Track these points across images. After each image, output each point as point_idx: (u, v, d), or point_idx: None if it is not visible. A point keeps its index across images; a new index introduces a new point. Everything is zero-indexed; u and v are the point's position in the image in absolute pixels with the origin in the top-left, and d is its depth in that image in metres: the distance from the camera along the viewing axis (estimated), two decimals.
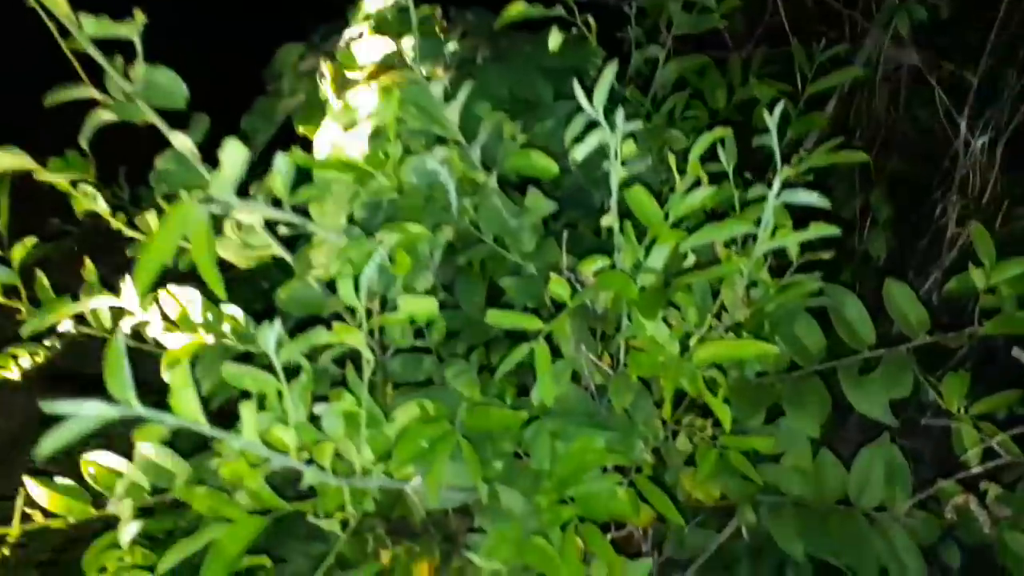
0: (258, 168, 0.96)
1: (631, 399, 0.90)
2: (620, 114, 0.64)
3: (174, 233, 0.53)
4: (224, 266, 1.05)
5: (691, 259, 0.85)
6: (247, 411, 0.53)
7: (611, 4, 1.34)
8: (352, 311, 0.63)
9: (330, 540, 1.20)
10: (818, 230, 0.69)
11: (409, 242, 0.78)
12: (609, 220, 0.69)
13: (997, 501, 0.90)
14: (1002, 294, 0.90)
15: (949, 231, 1.53)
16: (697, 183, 0.83)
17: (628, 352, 0.88)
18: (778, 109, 0.68)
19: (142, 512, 0.85)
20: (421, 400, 0.81)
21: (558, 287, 0.72)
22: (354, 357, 1.30)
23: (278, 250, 0.87)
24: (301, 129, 1.21)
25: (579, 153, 0.59)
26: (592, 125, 0.60)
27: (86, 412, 0.42)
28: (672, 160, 0.77)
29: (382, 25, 1.12)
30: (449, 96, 0.89)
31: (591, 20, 1.12)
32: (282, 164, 0.64)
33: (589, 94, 0.69)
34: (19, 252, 0.95)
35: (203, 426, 0.47)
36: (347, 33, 1.13)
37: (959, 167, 1.54)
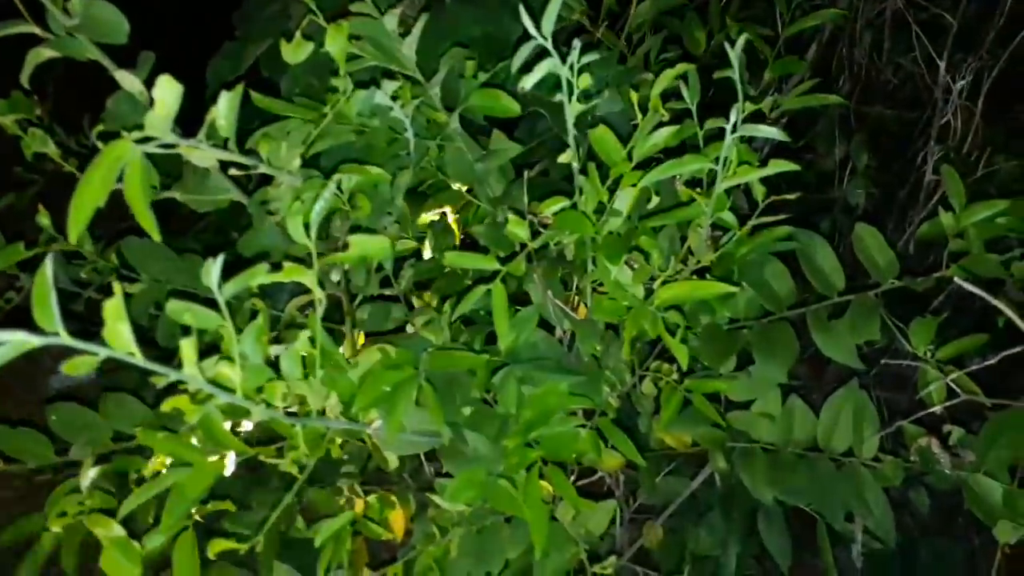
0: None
1: (596, 345, 0.90)
2: (576, 44, 0.62)
3: (108, 173, 0.52)
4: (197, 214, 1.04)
5: (655, 201, 0.83)
6: (186, 345, 0.52)
7: None
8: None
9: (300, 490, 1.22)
10: (776, 166, 0.68)
11: (366, 184, 0.77)
12: (567, 157, 0.68)
13: (961, 445, 0.90)
14: (970, 236, 0.90)
15: (927, 179, 1.52)
16: (662, 124, 0.81)
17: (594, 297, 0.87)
18: (740, 41, 0.67)
19: (103, 458, 0.85)
20: (384, 345, 0.81)
21: (516, 227, 0.71)
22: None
23: (236, 195, 0.85)
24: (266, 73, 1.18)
25: (528, 82, 0.57)
26: (544, 54, 0.58)
27: (9, 339, 0.41)
28: (634, 98, 0.76)
29: None
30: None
31: None
32: (224, 102, 0.63)
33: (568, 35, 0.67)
34: None
35: (137, 359, 0.46)
36: None
37: (938, 114, 1.52)
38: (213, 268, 0.53)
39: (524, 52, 0.57)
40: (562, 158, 0.68)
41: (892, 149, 1.87)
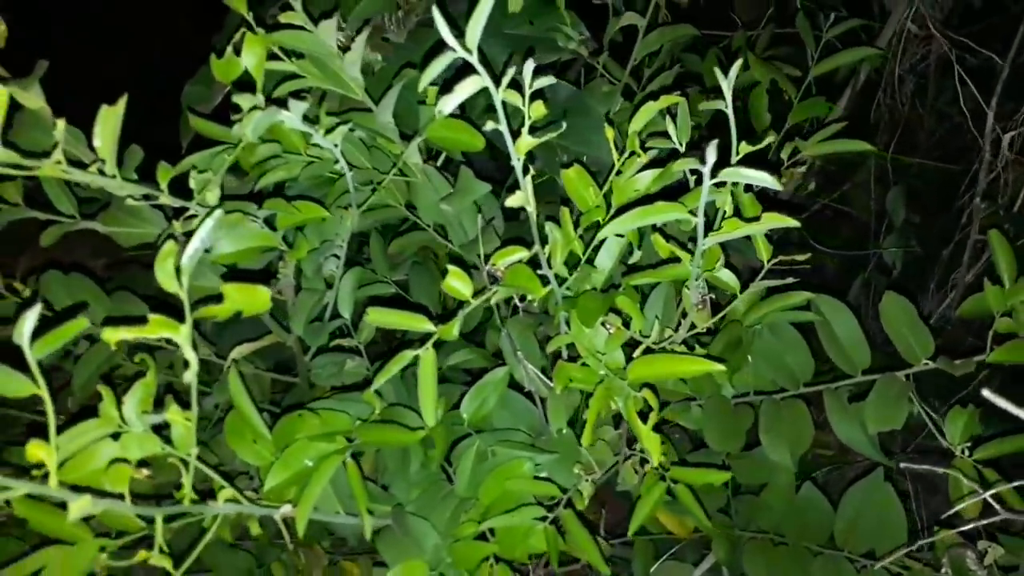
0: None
1: (565, 420, 0.76)
2: (529, 65, 0.50)
3: None
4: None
5: (636, 256, 0.71)
6: None
7: None
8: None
9: (263, 553, 1.09)
10: (772, 221, 0.55)
11: (291, 222, 0.66)
12: (516, 200, 0.55)
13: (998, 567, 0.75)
14: (1020, 317, 0.75)
15: (972, 238, 1.36)
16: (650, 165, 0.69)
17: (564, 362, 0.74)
18: (735, 69, 0.54)
19: None
20: (304, 412, 0.68)
21: (457, 280, 0.59)
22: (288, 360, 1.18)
23: (159, 229, 0.75)
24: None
25: (446, 105, 0.45)
26: (469, 69, 0.46)
27: None
28: (609, 134, 0.63)
29: None
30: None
31: None
32: (102, 121, 0.52)
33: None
34: None
35: None
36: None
37: (985, 167, 1.37)
38: (24, 323, 0.41)
39: (438, 66, 0.45)
40: (510, 201, 0.56)
41: (934, 204, 1.71)
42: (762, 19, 1.70)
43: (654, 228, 0.67)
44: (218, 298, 0.52)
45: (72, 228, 0.77)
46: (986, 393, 0.54)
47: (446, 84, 0.50)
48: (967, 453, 0.81)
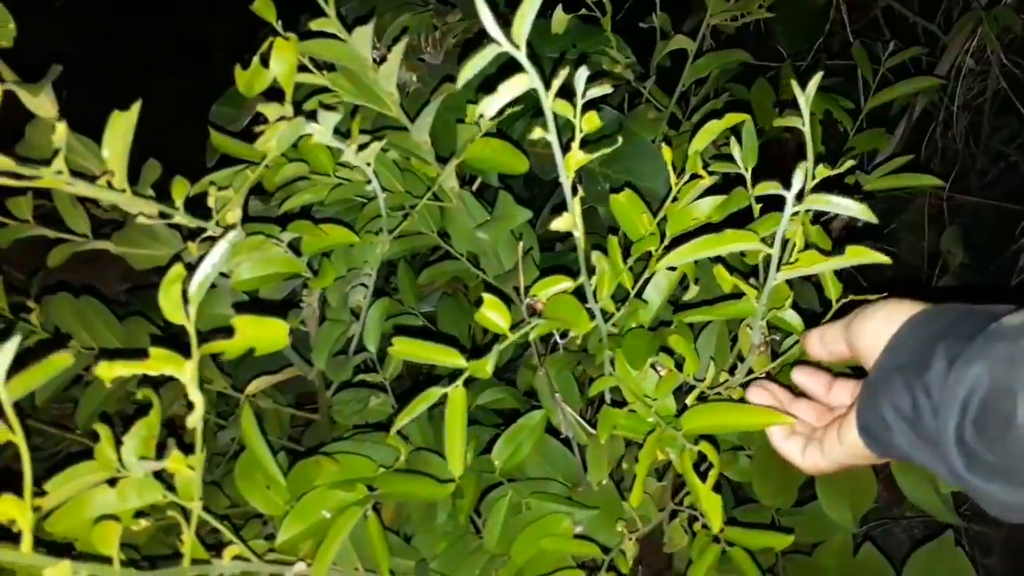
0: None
1: (607, 471, 0.69)
2: (582, 72, 0.45)
3: None
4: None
5: (693, 292, 0.64)
6: None
7: None
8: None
9: None
10: (857, 256, 0.48)
11: (317, 247, 0.60)
12: (564, 224, 0.49)
13: None
14: None
15: None
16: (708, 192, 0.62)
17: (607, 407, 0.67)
18: (814, 82, 0.48)
19: None
20: (321, 457, 0.62)
21: (493, 311, 0.52)
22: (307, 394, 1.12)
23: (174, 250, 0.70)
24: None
25: (489, 107, 0.39)
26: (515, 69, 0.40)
27: None
28: (667, 155, 0.57)
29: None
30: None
31: (606, 2, 0.94)
32: (112, 131, 0.47)
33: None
34: None
35: None
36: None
37: None
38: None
39: (482, 59, 0.39)
40: (555, 224, 0.50)
41: (989, 246, 1.62)
42: (806, 51, 1.65)
43: (715, 260, 0.60)
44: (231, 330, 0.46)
45: (82, 248, 0.73)
46: None
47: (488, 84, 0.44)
48: None
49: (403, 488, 0.63)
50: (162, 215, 0.63)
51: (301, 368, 0.86)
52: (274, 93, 0.65)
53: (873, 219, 0.46)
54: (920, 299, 0.49)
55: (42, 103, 0.61)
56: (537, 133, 0.44)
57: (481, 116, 0.42)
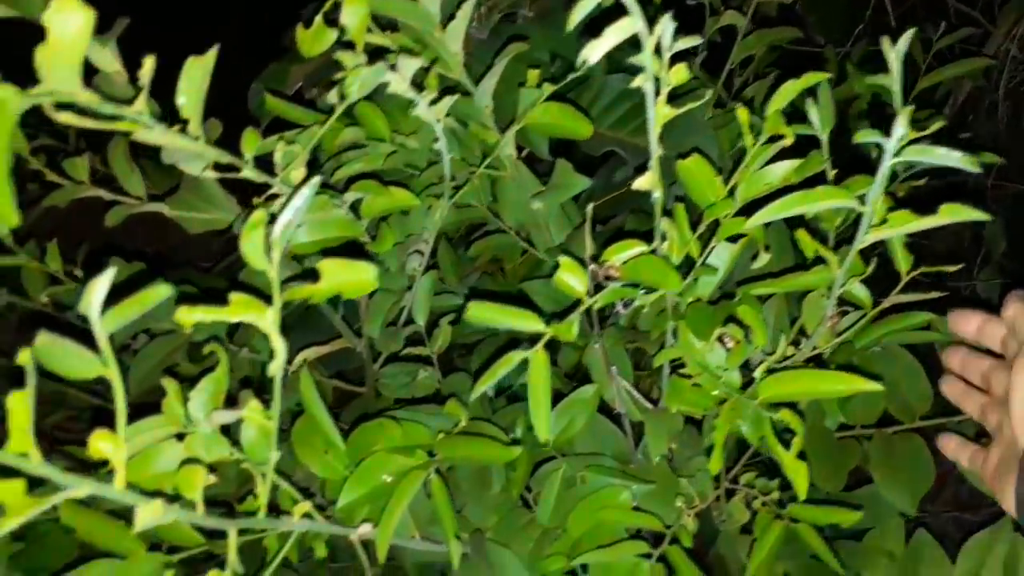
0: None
1: (668, 445, 0.68)
2: (669, 25, 0.43)
3: None
4: None
5: (764, 259, 0.63)
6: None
7: None
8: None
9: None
10: (955, 213, 0.46)
11: (392, 211, 0.59)
12: (647, 182, 0.48)
13: None
14: None
15: None
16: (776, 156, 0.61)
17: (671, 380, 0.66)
18: (907, 36, 0.47)
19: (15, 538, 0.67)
20: (386, 419, 0.61)
21: (570, 274, 0.51)
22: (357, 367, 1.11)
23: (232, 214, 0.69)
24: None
25: (594, 52, 0.38)
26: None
27: None
28: (743, 116, 0.56)
29: None
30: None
31: None
32: (188, 72, 0.46)
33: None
34: None
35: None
36: None
37: None
38: (92, 291, 0.34)
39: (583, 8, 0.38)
40: (638, 183, 0.48)
41: None
42: (846, 37, 1.63)
43: (792, 225, 0.59)
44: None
45: (137, 210, 0.72)
46: None
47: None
48: None
49: (468, 451, 0.62)
50: (229, 167, 0.62)
51: (349, 339, 0.85)
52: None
53: (978, 169, 0.44)
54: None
55: (106, 57, 0.61)
56: (638, 80, 0.43)
57: (584, 62, 0.41)
